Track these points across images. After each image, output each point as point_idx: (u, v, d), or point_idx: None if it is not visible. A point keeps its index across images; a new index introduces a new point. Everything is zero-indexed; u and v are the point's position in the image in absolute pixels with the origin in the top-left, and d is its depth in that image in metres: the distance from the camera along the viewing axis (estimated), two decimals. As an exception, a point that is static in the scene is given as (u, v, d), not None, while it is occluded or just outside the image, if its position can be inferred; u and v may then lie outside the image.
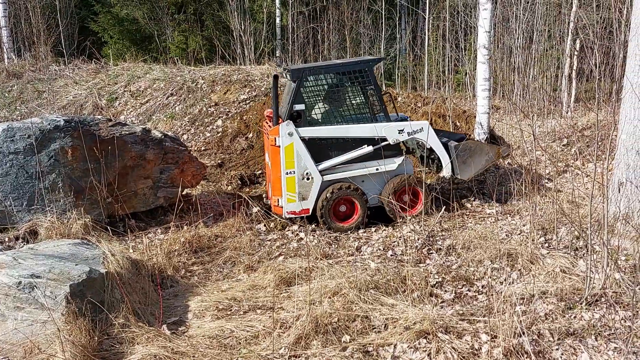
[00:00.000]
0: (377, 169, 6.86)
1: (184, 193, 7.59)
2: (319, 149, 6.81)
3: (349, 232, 6.80)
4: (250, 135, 10.58)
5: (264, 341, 4.13)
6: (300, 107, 6.69)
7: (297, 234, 6.77)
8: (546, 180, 8.21)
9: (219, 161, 9.92)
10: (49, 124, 6.59)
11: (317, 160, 6.80)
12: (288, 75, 6.96)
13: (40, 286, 4.11)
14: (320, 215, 6.81)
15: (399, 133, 6.81)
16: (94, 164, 6.61)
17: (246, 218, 7.03)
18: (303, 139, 6.67)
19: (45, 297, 4.03)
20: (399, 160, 6.94)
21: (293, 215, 6.89)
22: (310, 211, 6.87)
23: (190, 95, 12.11)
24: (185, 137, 10.91)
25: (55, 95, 12.92)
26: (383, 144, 6.80)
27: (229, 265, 5.88)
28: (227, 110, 11.44)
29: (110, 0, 19.69)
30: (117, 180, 6.82)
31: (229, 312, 4.69)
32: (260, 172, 9.49)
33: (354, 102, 6.94)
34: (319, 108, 6.94)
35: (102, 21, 19.30)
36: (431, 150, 7.20)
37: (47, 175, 6.50)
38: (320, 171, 6.77)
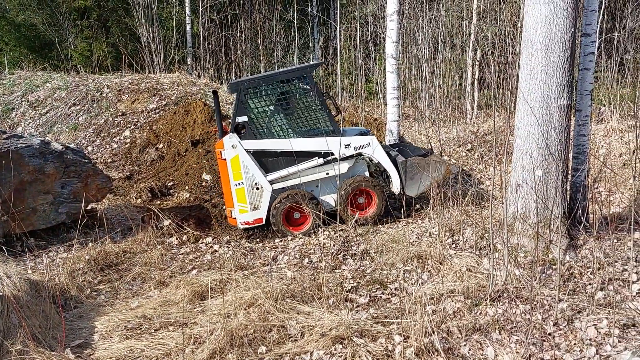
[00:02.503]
0: (327, 174, 6.87)
1: (88, 208, 7.21)
2: (268, 160, 6.79)
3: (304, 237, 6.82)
4: (161, 145, 10.25)
5: (176, 359, 3.98)
6: (242, 119, 6.65)
7: (211, 247, 6.62)
8: (453, 184, 8.60)
9: (128, 173, 9.52)
10: None
11: (268, 170, 6.79)
12: (228, 89, 6.90)
13: None
14: (273, 223, 6.79)
15: (346, 147, 6.85)
16: (-14, 180, 6.12)
17: (157, 232, 6.78)
18: (248, 151, 6.64)
19: None
20: (349, 162, 6.96)
21: (247, 226, 6.83)
22: (264, 220, 6.82)
23: (94, 105, 11.55)
24: (90, 148, 10.39)
25: (-59, 105, 11.85)
26: (331, 157, 6.82)
27: (139, 281, 5.64)
28: (136, 120, 11.02)
29: (5, 5, 18.40)
30: (13, 197, 6.34)
31: (138, 331, 4.49)
32: (172, 183, 9.21)
33: (298, 112, 6.92)
34: (264, 120, 6.87)
35: (-5, 27, 18.00)
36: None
37: None
38: (269, 181, 6.73)
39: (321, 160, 6.81)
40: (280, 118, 6.91)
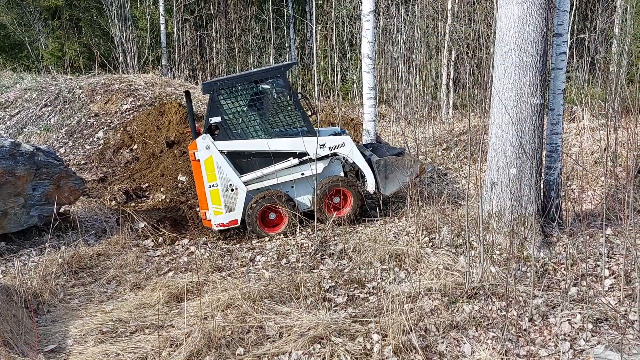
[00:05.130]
0: (302, 174, 6.84)
1: (61, 210, 7.06)
2: (243, 161, 6.73)
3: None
4: (135, 146, 10.10)
5: (153, 362, 3.93)
6: (216, 119, 6.59)
7: (188, 248, 6.55)
8: (429, 183, 8.67)
9: (101, 175, 9.36)
10: None
11: (243, 171, 6.73)
12: (201, 90, 6.83)
13: None
14: (249, 225, 6.74)
15: (321, 147, 6.82)
16: (-46, 183, 5.95)
17: (132, 234, 6.68)
18: (222, 152, 6.59)
19: None
20: (324, 162, 6.93)
21: (222, 227, 6.75)
22: (239, 222, 6.75)
23: (67, 106, 11.34)
24: (62, 150, 10.19)
25: None
26: (305, 157, 6.80)
27: (114, 284, 5.54)
28: (109, 121, 10.85)
29: (-28, 4, 17.99)
30: (-18, 200, 6.18)
31: (114, 335, 4.41)
32: (147, 185, 9.09)
33: (272, 112, 6.86)
34: (238, 121, 6.80)
35: (-38, 26, 17.57)
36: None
37: None
38: (244, 182, 6.67)
39: (296, 161, 6.79)
40: (255, 118, 6.86)
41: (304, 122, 6.85)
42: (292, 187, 6.95)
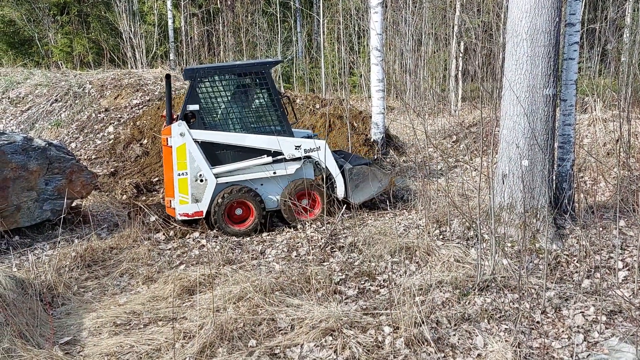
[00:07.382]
0: (274, 173, 6.81)
1: (73, 204, 7.12)
2: (216, 153, 6.68)
3: (244, 236, 6.69)
4: (145, 141, 10.14)
5: (166, 354, 3.96)
6: (194, 107, 6.52)
7: (199, 241, 6.58)
8: (439, 176, 8.64)
9: (112, 169, 9.41)
10: None
11: (215, 163, 6.67)
12: (182, 75, 6.78)
13: None
14: (214, 218, 6.67)
15: (296, 149, 6.78)
16: (-33, 178, 6.01)
17: (143, 227, 6.71)
18: (196, 141, 6.52)
19: None
20: (297, 164, 6.88)
21: (186, 218, 6.69)
22: (204, 214, 6.70)
23: (77, 101, 11.39)
24: (73, 145, 10.25)
25: None
26: (280, 157, 6.77)
27: (127, 277, 5.58)
28: (119, 115, 10.89)
29: (-18, 1, 18.11)
30: (-4, 194, 6.23)
31: (127, 327, 4.45)
32: (157, 179, 9.13)
33: (252, 108, 6.81)
34: (216, 111, 6.77)
35: (-27, 23, 17.70)
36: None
37: None
38: (215, 174, 6.63)
39: (270, 159, 6.74)
40: (233, 111, 6.81)
41: (282, 122, 6.80)
42: (262, 184, 6.89)
